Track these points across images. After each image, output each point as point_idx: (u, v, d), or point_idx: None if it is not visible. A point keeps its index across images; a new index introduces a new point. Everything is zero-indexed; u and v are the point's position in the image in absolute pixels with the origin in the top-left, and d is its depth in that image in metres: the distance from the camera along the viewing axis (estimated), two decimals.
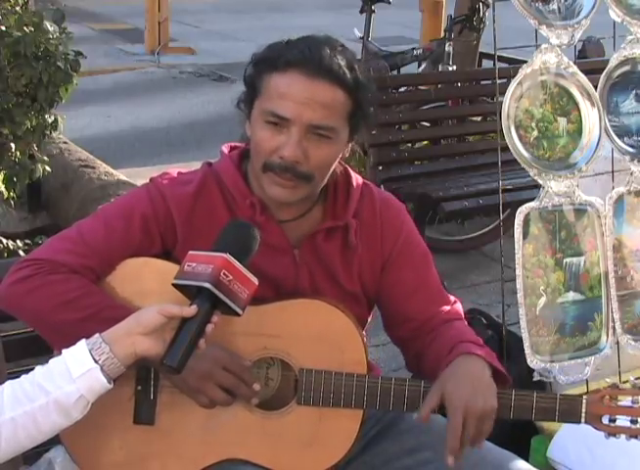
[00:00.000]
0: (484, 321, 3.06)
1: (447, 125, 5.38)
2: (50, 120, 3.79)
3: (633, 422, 1.90)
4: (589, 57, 5.47)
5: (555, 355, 2.48)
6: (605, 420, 1.91)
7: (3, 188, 3.84)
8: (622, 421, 1.90)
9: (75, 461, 1.93)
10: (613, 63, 2.58)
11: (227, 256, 1.66)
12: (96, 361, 1.63)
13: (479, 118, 5.31)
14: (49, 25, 3.65)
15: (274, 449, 1.90)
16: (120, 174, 4.85)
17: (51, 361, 1.66)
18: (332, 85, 1.83)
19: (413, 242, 2.07)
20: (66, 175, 4.82)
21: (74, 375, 1.62)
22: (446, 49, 5.89)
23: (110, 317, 1.74)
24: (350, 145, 1.96)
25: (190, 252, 1.71)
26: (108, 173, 4.75)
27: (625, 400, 1.92)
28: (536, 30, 2.47)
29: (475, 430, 1.79)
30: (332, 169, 1.94)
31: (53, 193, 4.88)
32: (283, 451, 1.90)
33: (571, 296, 2.51)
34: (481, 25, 6.07)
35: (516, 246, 2.42)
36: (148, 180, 1.99)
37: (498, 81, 2.66)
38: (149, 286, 1.87)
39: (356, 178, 2.03)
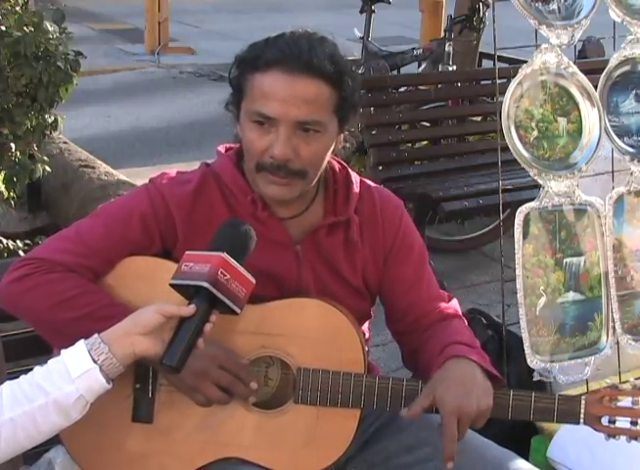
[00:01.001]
0: (484, 321, 3.06)
1: (447, 125, 5.38)
2: (50, 120, 3.79)
3: (633, 423, 1.89)
4: (589, 57, 5.47)
5: (555, 355, 2.48)
6: (604, 421, 1.91)
7: (3, 188, 3.84)
8: (622, 422, 1.90)
9: (74, 459, 1.93)
10: (613, 63, 2.58)
11: (224, 255, 1.66)
12: (95, 361, 1.63)
13: (479, 118, 5.31)
14: (49, 25, 3.65)
15: (272, 448, 1.90)
16: (120, 174, 4.85)
17: (50, 362, 1.66)
18: (314, 80, 1.82)
19: (412, 236, 2.08)
20: (66, 175, 4.82)
21: (73, 375, 1.62)
22: (446, 49, 5.89)
23: (107, 316, 1.75)
24: (342, 136, 1.96)
25: (187, 252, 1.71)
26: (108, 173, 4.75)
27: (625, 401, 1.92)
28: (536, 30, 2.47)
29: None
30: (325, 163, 1.94)
31: (53, 193, 4.88)
32: (281, 450, 1.90)
33: (571, 296, 2.51)
34: (481, 25, 6.07)
35: (516, 246, 2.42)
36: (147, 180, 2.00)
37: (498, 81, 2.66)
38: (148, 285, 1.87)
39: (355, 176, 2.04)
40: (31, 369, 1.67)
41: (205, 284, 1.64)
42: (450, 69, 5.84)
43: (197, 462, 1.90)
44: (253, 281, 1.70)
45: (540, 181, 2.45)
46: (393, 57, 6.32)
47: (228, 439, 1.90)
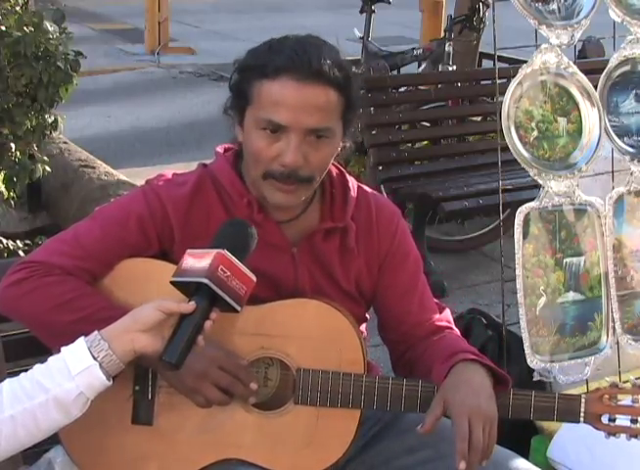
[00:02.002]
0: (484, 321, 3.06)
1: (447, 125, 5.38)
2: (50, 120, 3.79)
3: (633, 421, 1.90)
4: (589, 57, 5.47)
5: (555, 355, 2.48)
6: (604, 419, 1.91)
7: (3, 188, 3.84)
8: (622, 420, 1.90)
9: (75, 461, 1.93)
10: (613, 63, 2.58)
11: (224, 252, 1.67)
12: (95, 358, 1.63)
13: (479, 118, 5.32)
14: (49, 25, 3.65)
15: (272, 449, 1.90)
16: (120, 174, 4.85)
17: (50, 359, 1.66)
18: (324, 87, 1.82)
19: (407, 245, 2.07)
20: (66, 175, 4.81)
21: (73, 372, 1.62)
22: (446, 49, 5.89)
23: (105, 318, 1.74)
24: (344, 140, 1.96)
25: (188, 249, 1.71)
26: (108, 173, 4.75)
27: (625, 400, 1.92)
28: (536, 30, 2.46)
29: (481, 433, 1.78)
30: (328, 167, 1.94)
31: (53, 193, 4.88)
32: (281, 451, 1.90)
33: (571, 296, 2.51)
34: (481, 25, 6.07)
35: (516, 246, 2.42)
36: (145, 182, 2.00)
37: (498, 81, 2.66)
38: (146, 286, 1.87)
39: (352, 181, 2.03)
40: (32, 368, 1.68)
41: (205, 280, 1.64)
42: (450, 69, 5.84)
43: (197, 464, 1.90)
44: (254, 279, 1.70)
45: (540, 181, 2.45)
46: (393, 57, 6.32)
47: (228, 440, 1.90)
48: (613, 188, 2.59)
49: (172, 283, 1.69)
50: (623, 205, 2.58)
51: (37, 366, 1.66)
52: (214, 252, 1.67)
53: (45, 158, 3.91)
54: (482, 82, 5.22)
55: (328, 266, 1.98)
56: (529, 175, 2.45)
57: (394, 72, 6.20)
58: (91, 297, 1.85)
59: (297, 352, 1.89)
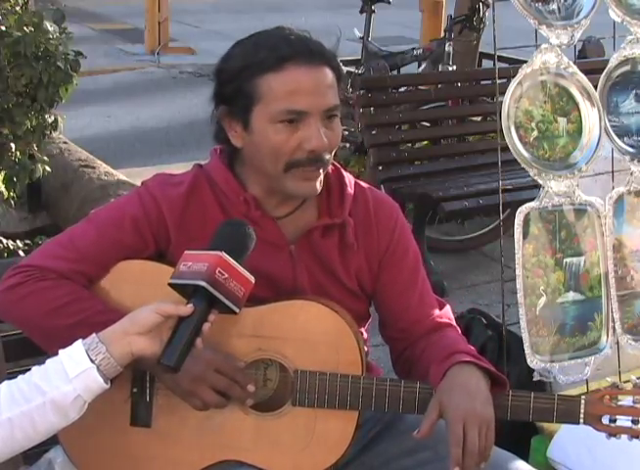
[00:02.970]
0: (484, 321, 3.06)
1: (447, 125, 5.38)
2: (50, 120, 3.79)
3: (634, 422, 1.89)
4: (589, 57, 5.47)
5: (555, 355, 2.48)
6: (605, 420, 1.90)
7: (3, 188, 3.84)
8: (623, 421, 1.90)
9: (74, 463, 1.93)
10: (613, 63, 2.58)
11: (222, 254, 1.66)
12: (92, 361, 1.63)
13: (479, 118, 5.32)
14: (49, 25, 3.65)
15: (270, 451, 1.90)
16: (120, 174, 4.85)
17: (47, 361, 1.66)
18: (326, 66, 1.85)
19: (407, 241, 2.06)
20: (66, 175, 4.81)
21: (71, 375, 1.61)
22: (446, 49, 5.90)
23: (101, 322, 1.73)
24: None
25: (186, 251, 1.71)
26: (108, 173, 4.75)
27: (626, 400, 1.92)
28: (536, 30, 2.46)
29: (476, 436, 1.77)
30: None
31: (53, 193, 4.88)
32: (279, 453, 1.90)
33: (571, 296, 2.51)
34: (481, 25, 6.07)
35: (516, 246, 2.42)
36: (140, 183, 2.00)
37: (498, 81, 2.66)
38: (143, 288, 1.86)
39: (348, 177, 2.03)
40: (31, 369, 1.67)
41: (203, 283, 1.64)
42: (450, 69, 5.84)
43: (195, 465, 1.90)
44: (252, 280, 1.69)
45: (540, 181, 2.45)
46: (393, 57, 6.33)
47: (226, 441, 1.90)
48: (613, 188, 2.59)
49: (170, 285, 1.69)
50: (623, 205, 2.58)
51: (35, 369, 1.66)
52: (212, 254, 1.66)
53: (45, 158, 3.91)
54: (482, 82, 5.22)
55: (328, 263, 1.98)
56: (529, 175, 2.45)
57: (394, 72, 6.20)
58: (87, 300, 1.85)
59: (295, 354, 1.89)
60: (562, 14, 2.48)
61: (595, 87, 2.52)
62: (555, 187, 2.45)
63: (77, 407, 1.64)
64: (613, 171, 2.64)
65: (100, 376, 1.63)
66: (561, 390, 2.60)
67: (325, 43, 1.90)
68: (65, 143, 5.22)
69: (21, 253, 3.84)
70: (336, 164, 2.02)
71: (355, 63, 6.33)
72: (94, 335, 1.66)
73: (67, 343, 1.67)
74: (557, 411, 1.90)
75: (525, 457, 2.03)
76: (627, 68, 2.60)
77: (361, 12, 6.52)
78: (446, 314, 2.08)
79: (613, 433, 1.90)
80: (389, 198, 2.10)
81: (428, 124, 5.36)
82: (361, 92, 4.65)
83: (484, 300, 4.36)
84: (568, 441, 2.62)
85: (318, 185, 1.89)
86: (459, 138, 5.32)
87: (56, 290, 1.84)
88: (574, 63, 2.50)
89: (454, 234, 5.17)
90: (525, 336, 2.43)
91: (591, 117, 2.50)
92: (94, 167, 4.83)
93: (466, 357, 1.89)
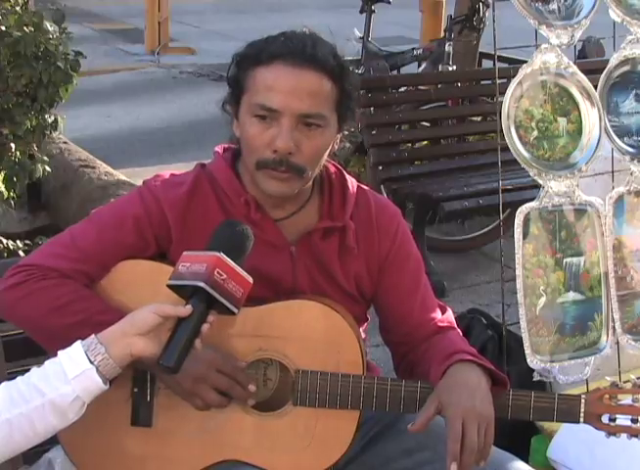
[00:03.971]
0: (484, 321, 3.06)
1: (447, 125, 5.38)
2: (50, 120, 3.79)
3: (634, 421, 1.89)
4: (589, 57, 5.48)
5: (555, 355, 2.48)
6: (605, 419, 1.91)
7: (3, 188, 3.84)
8: (623, 420, 1.90)
9: (74, 463, 1.92)
10: (613, 63, 2.58)
11: (220, 254, 1.66)
12: (91, 362, 1.62)
13: (479, 118, 5.31)
14: (49, 25, 3.65)
15: (271, 451, 1.90)
16: (120, 174, 4.85)
17: (46, 362, 1.66)
18: (317, 73, 1.82)
19: (408, 246, 2.06)
20: (66, 175, 4.81)
21: (70, 376, 1.61)
22: (446, 49, 5.89)
23: (102, 322, 1.73)
24: (339, 136, 1.95)
25: (184, 252, 1.71)
26: (108, 173, 4.75)
27: (626, 399, 1.92)
28: (536, 30, 2.47)
29: (476, 434, 1.77)
30: (323, 162, 1.93)
31: (53, 193, 4.88)
32: (280, 453, 1.90)
33: (571, 296, 2.51)
34: (481, 25, 6.08)
35: (516, 246, 2.42)
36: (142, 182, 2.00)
37: (498, 81, 2.66)
38: (144, 288, 1.86)
39: (351, 181, 2.02)
40: (30, 370, 1.67)
41: (202, 284, 1.64)
42: (450, 69, 5.84)
43: (196, 465, 1.90)
44: (251, 281, 1.69)
45: (540, 181, 2.45)
46: (393, 57, 6.33)
47: (227, 441, 1.90)
48: (613, 188, 2.59)
49: (169, 286, 1.69)
50: (623, 205, 2.58)
51: (34, 370, 1.66)
52: (211, 254, 1.67)
53: (45, 158, 3.91)
54: (482, 82, 5.22)
55: (327, 266, 1.97)
56: (529, 175, 2.45)
57: (394, 72, 6.20)
58: (88, 300, 1.85)
59: (296, 354, 1.89)
60: (562, 14, 2.48)
61: (595, 87, 2.52)
62: (555, 187, 2.45)
63: (76, 408, 1.63)
64: (613, 171, 2.64)
65: (99, 377, 1.63)
66: (561, 390, 2.60)
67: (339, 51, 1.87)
68: (65, 143, 5.22)
69: (21, 253, 3.84)
70: (338, 166, 2.02)
71: (355, 63, 6.33)
72: (93, 336, 1.66)
73: (68, 342, 1.67)
74: (557, 410, 1.90)
75: (525, 457, 2.03)
76: (627, 68, 2.60)
77: (361, 12, 6.52)
78: (448, 318, 2.08)
79: (612, 432, 1.91)
80: (391, 203, 2.10)
81: (428, 124, 5.36)
82: (361, 92, 4.65)
83: (484, 300, 4.36)
84: (568, 441, 2.62)
85: (288, 188, 1.87)
86: (459, 138, 5.32)
87: (57, 289, 1.84)
88: (574, 63, 2.50)
89: (454, 234, 5.17)
90: (524, 336, 2.43)
91: (591, 116, 2.50)
92: (94, 167, 4.83)
93: (466, 356, 1.90)
